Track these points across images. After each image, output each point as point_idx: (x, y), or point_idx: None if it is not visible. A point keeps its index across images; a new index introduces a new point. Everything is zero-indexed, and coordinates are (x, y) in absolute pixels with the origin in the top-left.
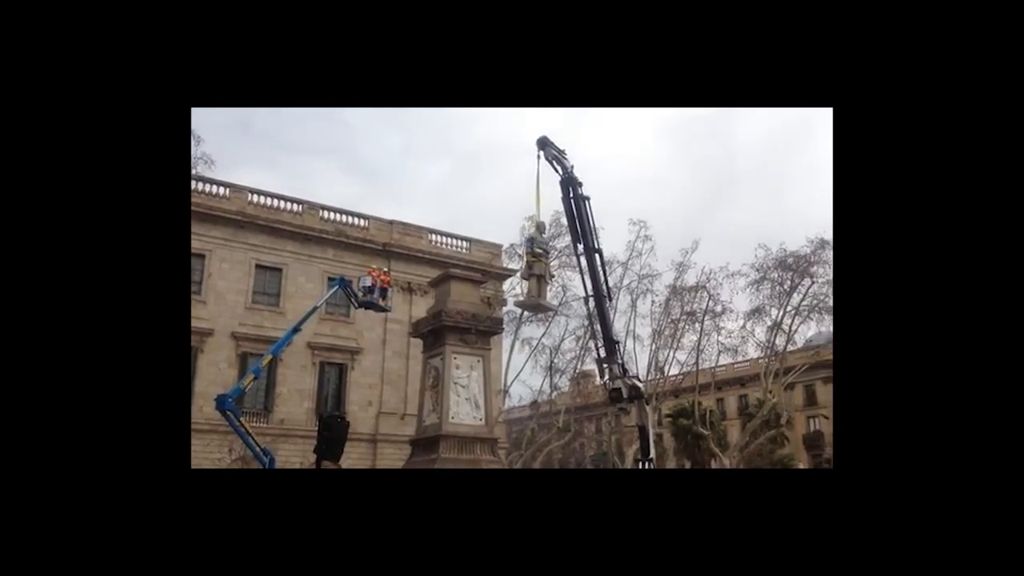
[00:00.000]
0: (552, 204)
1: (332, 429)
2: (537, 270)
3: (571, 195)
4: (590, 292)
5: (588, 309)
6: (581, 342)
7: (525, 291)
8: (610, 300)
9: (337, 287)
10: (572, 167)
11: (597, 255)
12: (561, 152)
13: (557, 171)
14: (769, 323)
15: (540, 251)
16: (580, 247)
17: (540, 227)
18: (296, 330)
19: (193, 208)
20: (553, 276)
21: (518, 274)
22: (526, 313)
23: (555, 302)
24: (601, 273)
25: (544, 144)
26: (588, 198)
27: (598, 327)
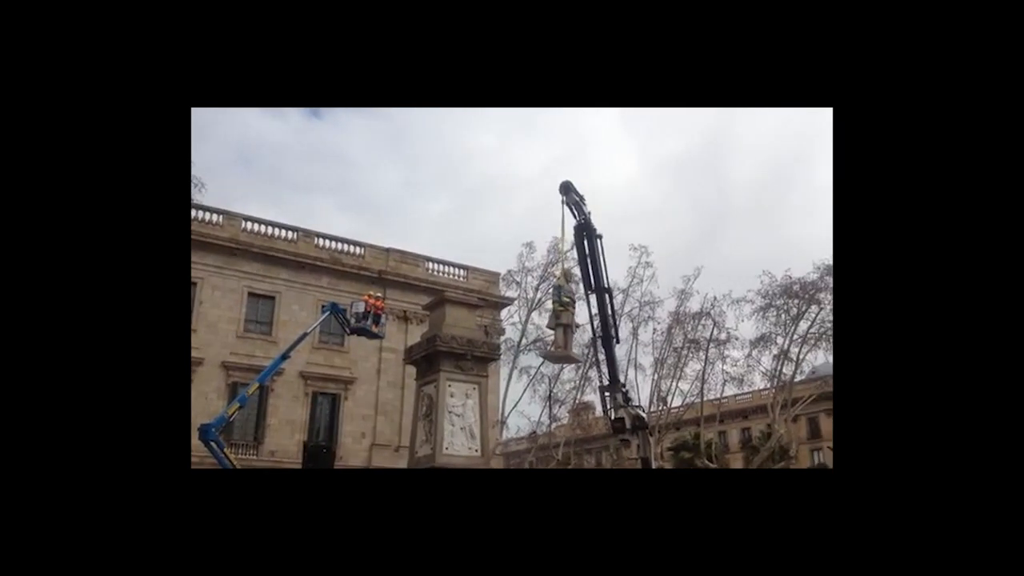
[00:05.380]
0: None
1: (316, 459)
2: (564, 320)
3: (585, 239)
4: (599, 333)
5: (595, 347)
6: (581, 371)
7: (552, 342)
8: (617, 341)
9: (328, 313)
10: (590, 213)
11: (607, 294)
12: (581, 198)
13: (575, 215)
14: (776, 351)
15: (567, 300)
16: (589, 285)
17: (567, 275)
18: (284, 357)
19: None
20: (579, 326)
21: (515, 303)
22: (524, 340)
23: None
24: (610, 313)
25: (567, 189)
26: (601, 236)
27: (602, 356)
